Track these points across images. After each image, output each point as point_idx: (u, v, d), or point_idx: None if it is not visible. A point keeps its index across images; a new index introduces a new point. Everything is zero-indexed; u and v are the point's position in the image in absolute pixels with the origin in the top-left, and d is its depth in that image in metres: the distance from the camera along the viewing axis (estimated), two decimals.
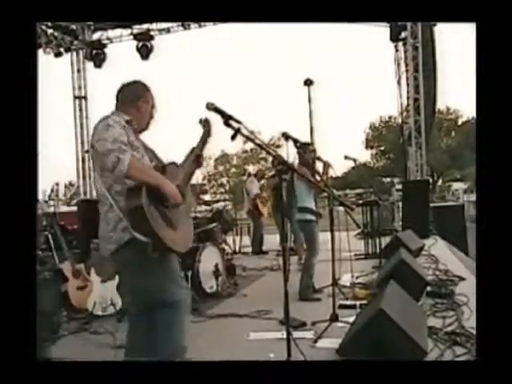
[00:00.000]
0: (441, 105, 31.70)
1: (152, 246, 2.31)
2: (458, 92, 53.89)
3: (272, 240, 9.21)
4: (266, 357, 3.14)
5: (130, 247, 2.39)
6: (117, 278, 4.78)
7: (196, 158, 2.75)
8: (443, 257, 6.88)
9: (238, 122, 2.59)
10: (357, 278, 5.48)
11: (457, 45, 28.08)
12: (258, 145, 2.82)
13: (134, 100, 2.63)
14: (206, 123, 2.79)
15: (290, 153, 4.74)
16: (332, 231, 4.45)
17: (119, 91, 2.68)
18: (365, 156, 40.92)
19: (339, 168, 33.60)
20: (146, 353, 2.61)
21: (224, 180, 36.31)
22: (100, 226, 2.53)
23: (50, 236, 7.03)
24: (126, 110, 2.60)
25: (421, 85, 10.40)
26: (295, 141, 4.26)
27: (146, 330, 2.62)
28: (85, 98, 12.42)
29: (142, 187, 2.33)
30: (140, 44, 11.71)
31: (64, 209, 14.60)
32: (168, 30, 11.72)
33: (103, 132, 2.37)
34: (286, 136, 4.17)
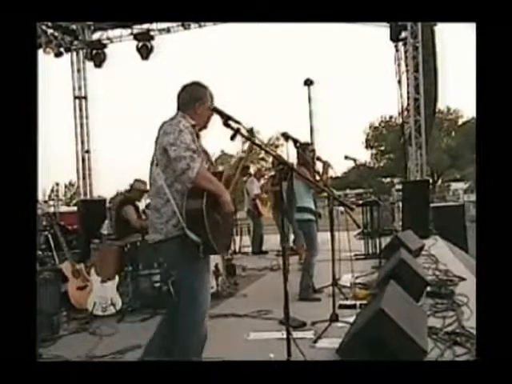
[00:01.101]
0: (441, 105, 31.75)
1: (203, 248, 2.49)
2: (458, 92, 53.92)
3: (272, 240, 9.21)
4: (266, 357, 3.14)
5: (176, 242, 2.57)
6: (117, 277, 4.79)
7: (243, 168, 2.87)
8: (443, 257, 6.87)
9: (237, 122, 2.60)
10: (357, 278, 5.48)
11: (457, 45, 28.13)
12: (258, 145, 2.82)
13: (192, 102, 2.75)
14: (252, 133, 2.86)
15: (289, 153, 4.74)
16: (332, 231, 4.45)
17: (179, 92, 2.81)
18: (365, 156, 40.99)
19: (339, 168, 33.62)
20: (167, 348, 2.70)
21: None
22: (151, 215, 2.72)
23: (49, 236, 7.04)
24: (186, 111, 2.74)
25: (421, 85, 10.38)
26: (295, 141, 4.25)
27: (169, 325, 2.76)
28: (85, 98, 12.39)
29: (204, 192, 2.51)
30: (140, 44, 11.69)
31: (64, 209, 14.63)
32: (168, 30, 11.69)
33: (177, 137, 2.53)
34: (286, 136, 4.16)
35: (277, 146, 28.92)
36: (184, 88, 2.82)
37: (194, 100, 2.76)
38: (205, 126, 2.83)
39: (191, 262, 2.60)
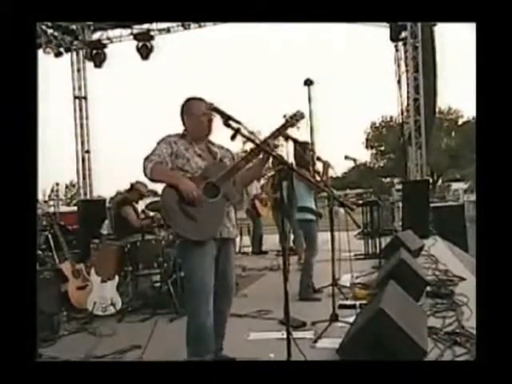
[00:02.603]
0: (441, 105, 31.72)
1: (173, 234, 2.88)
2: (458, 92, 53.87)
3: (272, 240, 9.20)
4: (266, 357, 3.13)
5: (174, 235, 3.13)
6: (117, 277, 4.79)
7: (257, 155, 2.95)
8: (443, 257, 6.87)
9: (237, 122, 2.60)
10: (357, 278, 5.48)
11: (457, 45, 28.05)
12: (258, 145, 2.82)
13: (181, 116, 3.06)
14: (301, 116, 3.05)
15: (289, 153, 4.73)
16: (332, 231, 4.45)
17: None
18: (365, 156, 40.97)
19: (339, 168, 33.59)
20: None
21: None
22: None
23: (49, 236, 7.03)
24: (183, 125, 3.06)
25: (421, 85, 10.38)
26: (295, 141, 4.24)
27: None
28: (85, 98, 12.38)
29: (164, 188, 2.82)
30: (140, 44, 11.69)
31: (64, 209, 14.62)
32: (168, 30, 11.69)
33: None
34: (286, 136, 4.16)
35: (277, 146, 28.83)
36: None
37: (182, 114, 3.05)
38: (208, 132, 3.03)
39: (183, 251, 2.89)
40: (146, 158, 2.83)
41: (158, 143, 2.92)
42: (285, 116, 3.36)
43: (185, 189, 2.75)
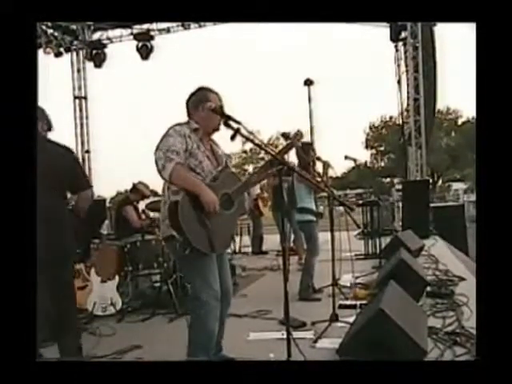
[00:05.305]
0: (441, 105, 31.76)
1: (182, 244, 2.64)
2: (458, 92, 53.87)
3: (272, 240, 9.21)
4: (266, 357, 3.13)
5: (170, 242, 2.76)
6: (117, 277, 4.79)
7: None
8: (443, 257, 6.87)
9: (237, 122, 2.60)
10: (357, 278, 5.48)
11: (457, 45, 28.08)
12: (258, 145, 2.82)
13: (195, 107, 2.86)
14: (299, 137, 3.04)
15: (289, 153, 4.73)
16: (332, 231, 4.45)
17: (187, 100, 2.91)
18: (365, 156, 41.02)
19: (339, 168, 33.62)
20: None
21: None
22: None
23: None
24: (191, 116, 2.87)
25: (421, 85, 10.41)
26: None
27: None
28: (85, 98, 12.42)
29: (181, 191, 2.65)
30: (140, 44, 11.73)
31: None
32: (168, 30, 11.73)
33: (161, 141, 2.68)
34: (286, 136, 4.16)
35: (277, 146, 28.95)
36: (190, 94, 2.92)
37: (196, 104, 2.85)
38: (216, 128, 2.88)
39: (189, 261, 2.73)
40: (166, 156, 2.58)
41: (171, 135, 2.69)
42: (283, 135, 3.40)
43: (207, 200, 2.60)
